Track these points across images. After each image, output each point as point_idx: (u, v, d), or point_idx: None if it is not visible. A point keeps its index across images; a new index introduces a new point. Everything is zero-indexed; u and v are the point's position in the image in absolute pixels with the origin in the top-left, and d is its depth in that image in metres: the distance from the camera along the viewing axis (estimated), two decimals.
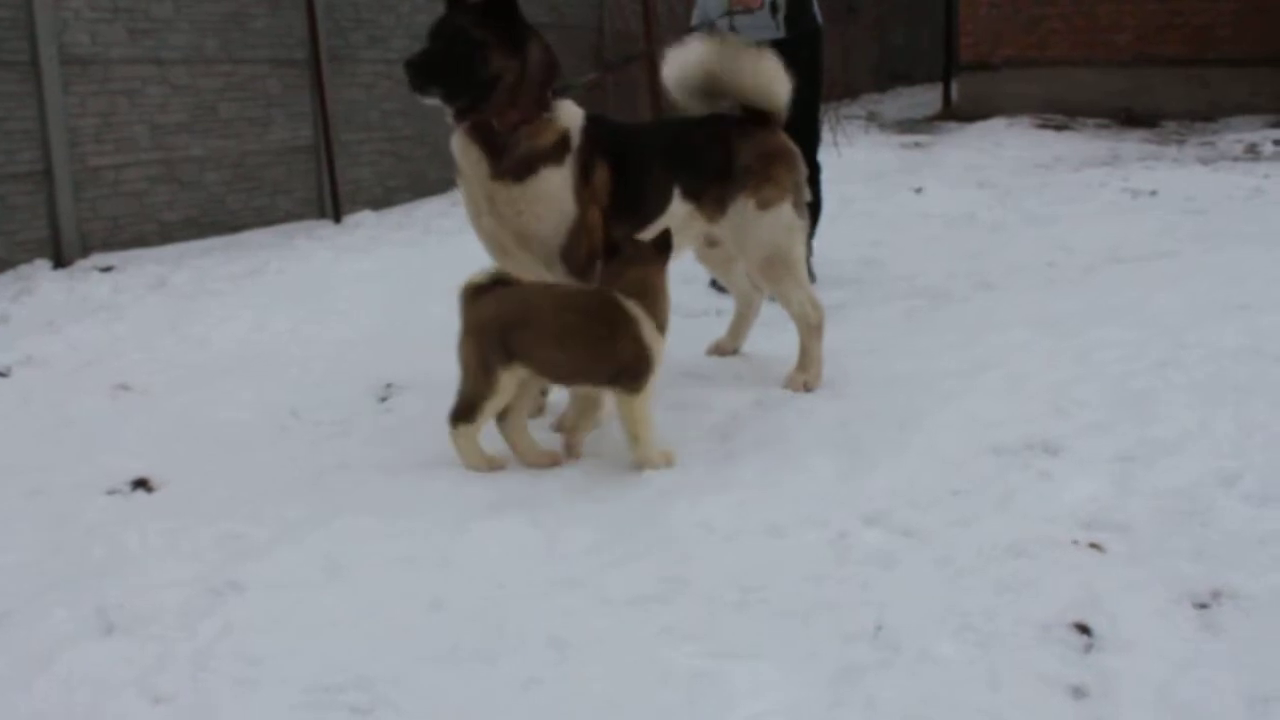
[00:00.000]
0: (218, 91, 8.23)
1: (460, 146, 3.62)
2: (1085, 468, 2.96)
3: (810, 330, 4.02)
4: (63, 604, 2.48)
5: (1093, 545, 2.51)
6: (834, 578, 2.47)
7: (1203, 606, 2.23)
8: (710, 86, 4.00)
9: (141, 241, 7.62)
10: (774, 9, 5.33)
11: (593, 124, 3.71)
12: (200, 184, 8.12)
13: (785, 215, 3.96)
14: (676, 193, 3.83)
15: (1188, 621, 2.18)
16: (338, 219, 8.92)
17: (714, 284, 5.32)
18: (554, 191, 3.54)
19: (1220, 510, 2.60)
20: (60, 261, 7.04)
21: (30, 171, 6.97)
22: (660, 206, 3.81)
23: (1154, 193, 8.34)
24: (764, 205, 3.92)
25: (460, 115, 3.56)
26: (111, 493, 3.27)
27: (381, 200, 9.73)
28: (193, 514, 3.02)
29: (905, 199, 8.41)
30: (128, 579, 2.60)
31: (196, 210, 8.07)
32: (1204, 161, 10.15)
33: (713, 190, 3.88)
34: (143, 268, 6.59)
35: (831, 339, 4.50)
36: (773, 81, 3.98)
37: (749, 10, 5.26)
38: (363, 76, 9.58)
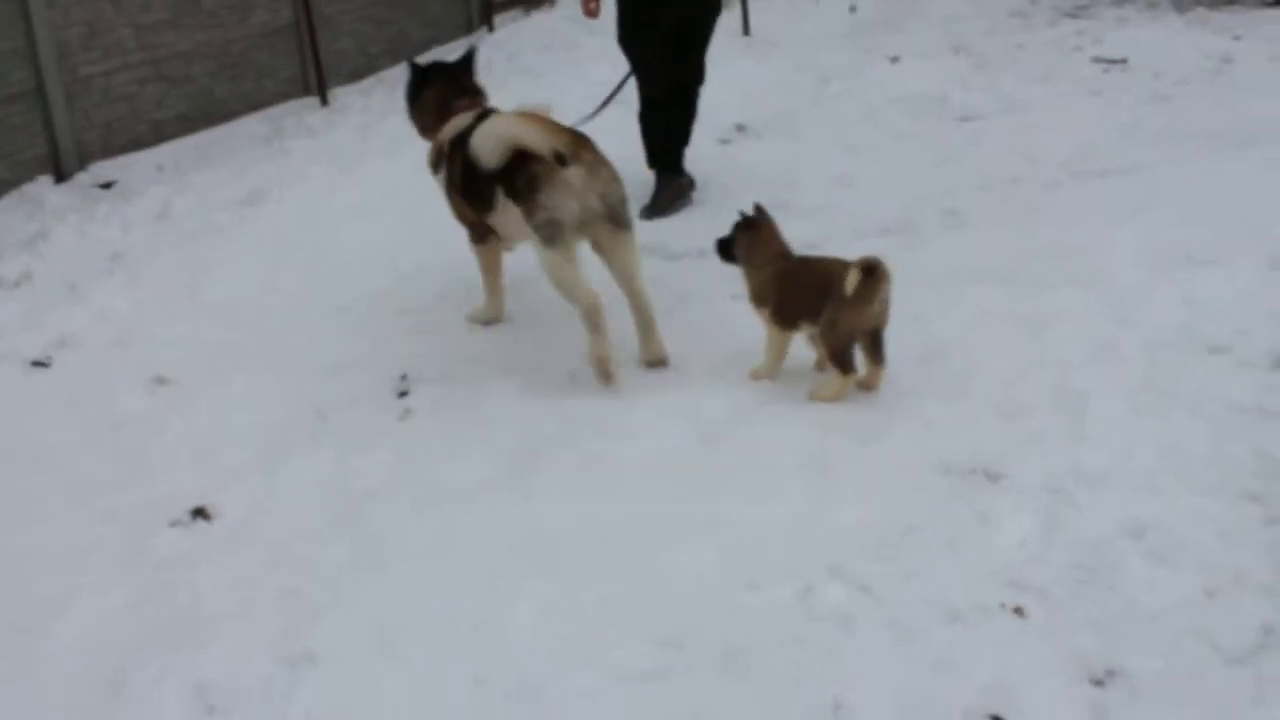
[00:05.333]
0: None
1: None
2: (1019, 502, 3.45)
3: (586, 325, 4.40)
4: (166, 679, 2.99)
5: (1016, 610, 3.02)
6: (802, 640, 2.98)
7: (1098, 684, 2.76)
8: None
9: (136, 144, 7.83)
10: None
11: (458, 136, 4.68)
12: (188, 78, 8.25)
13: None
14: (500, 192, 4.48)
15: (1084, 702, 2.70)
16: (324, 99, 9.07)
17: None
18: (437, 181, 4.92)
19: (1125, 572, 3.10)
20: (61, 175, 7.28)
21: (23, 91, 7.12)
22: (490, 202, 4.58)
23: (1124, 61, 8.52)
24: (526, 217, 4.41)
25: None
26: (175, 524, 3.73)
27: (364, 69, 9.85)
28: (251, 557, 3.50)
29: (881, 74, 8.58)
30: (211, 647, 3.10)
31: (186, 104, 8.23)
32: (1179, 8, 10.20)
33: (524, 196, 4.37)
34: (144, 190, 6.84)
35: None
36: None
37: None
38: None
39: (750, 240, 4.38)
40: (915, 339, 4.49)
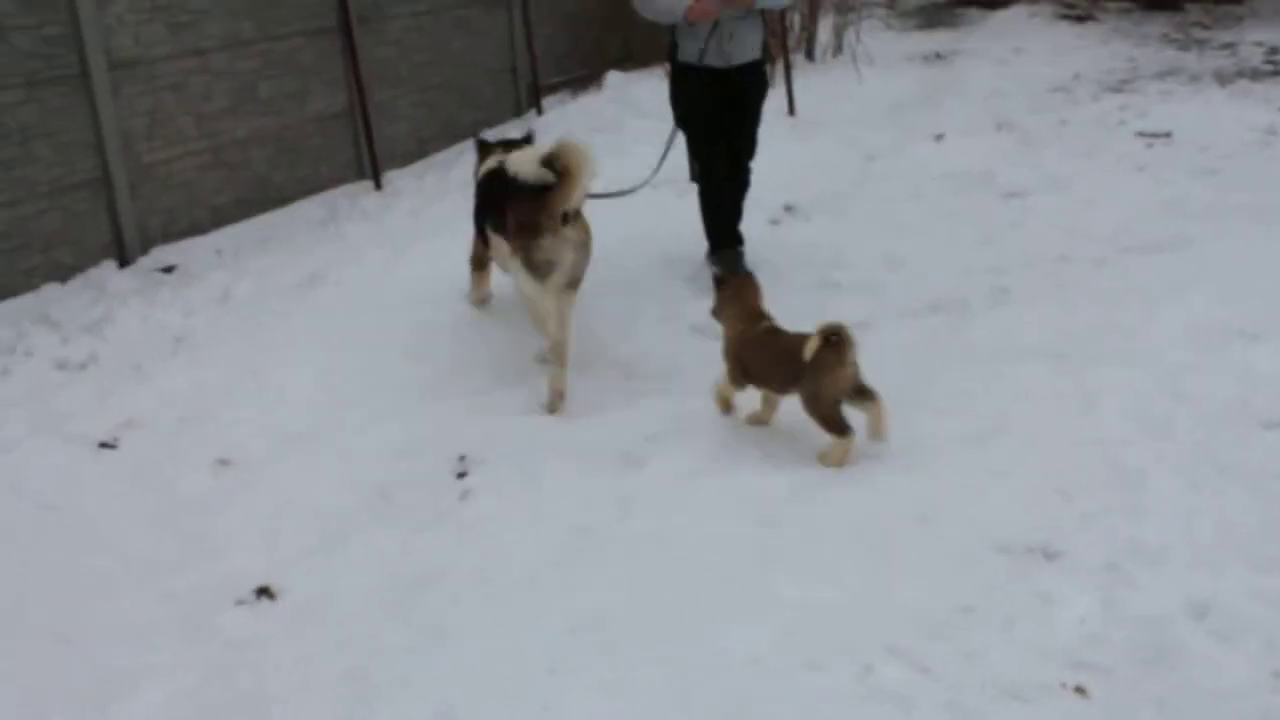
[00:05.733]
0: (256, 72, 8.50)
1: None
2: (1078, 581, 3.44)
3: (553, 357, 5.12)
4: None
5: (1078, 689, 3.01)
6: None
7: None
8: None
9: (196, 229, 8.02)
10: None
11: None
12: (246, 164, 8.47)
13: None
14: (490, 226, 5.45)
15: None
16: (378, 183, 9.28)
17: None
18: None
19: (1187, 651, 3.09)
20: (124, 260, 7.48)
21: (90, 179, 7.34)
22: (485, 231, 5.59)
23: (1169, 135, 8.58)
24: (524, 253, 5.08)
25: None
26: (240, 603, 3.80)
27: (416, 153, 10.06)
28: (315, 637, 3.56)
29: (925, 152, 8.66)
30: None
31: (244, 190, 8.43)
32: (1221, 80, 10.28)
33: (522, 237, 5.07)
34: (205, 275, 7.01)
35: None
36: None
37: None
38: (391, 34, 9.80)
39: (723, 300, 4.76)
40: (967, 416, 4.53)
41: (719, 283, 4.84)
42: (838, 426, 4.30)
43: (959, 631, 3.29)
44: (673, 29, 6.17)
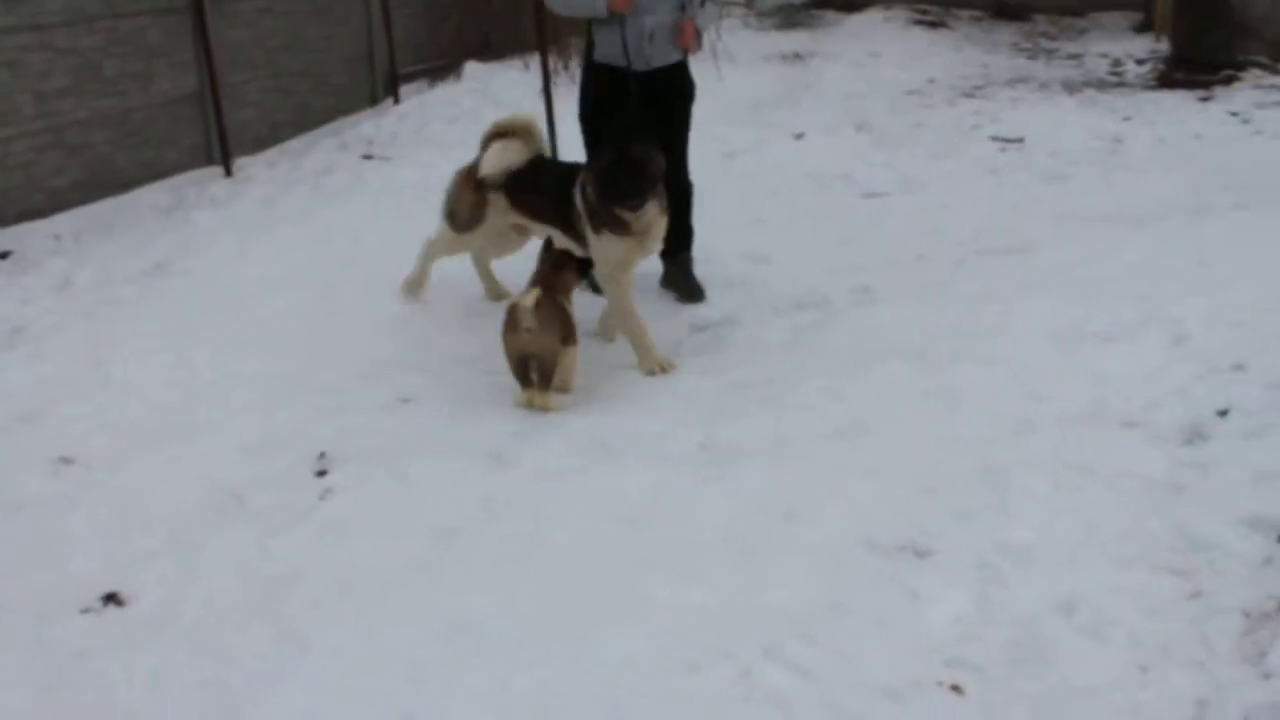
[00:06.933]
0: (100, 49, 8.13)
1: None
2: (949, 579, 3.47)
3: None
4: None
5: (953, 688, 3.03)
6: None
7: None
8: None
9: (34, 212, 7.62)
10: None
11: None
12: (88, 146, 8.08)
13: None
14: None
15: None
16: (228, 169, 8.94)
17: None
18: None
19: (1058, 648, 3.14)
20: None
21: None
22: None
23: (1021, 140, 8.83)
24: None
25: None
26: (85, 611, 3.57)
27: (268, 139, 9.76)
28: (167, 646, 3.36)
29: (785, 150, 8.74)
30: None
31: (86, 173, 8.05)
32: (1069, 89, 10.64)
33: None
34: (43, 261, 6.65)
35: (723, 371, 4.96)
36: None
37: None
38: (245, 16, 9.47)
39: (539, 264, 5.23)
40: (834, 415, 4.54)
41: (544, 251, 5.26)
42: (517, 378, 4.82)
43: (833, 631, 3.28)
44: (590, 25, 5.91)
